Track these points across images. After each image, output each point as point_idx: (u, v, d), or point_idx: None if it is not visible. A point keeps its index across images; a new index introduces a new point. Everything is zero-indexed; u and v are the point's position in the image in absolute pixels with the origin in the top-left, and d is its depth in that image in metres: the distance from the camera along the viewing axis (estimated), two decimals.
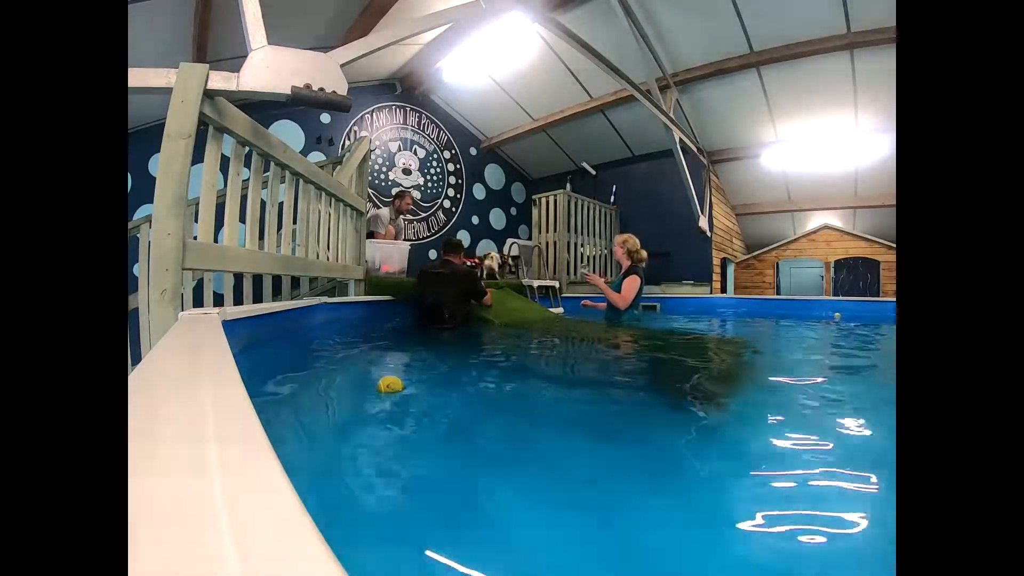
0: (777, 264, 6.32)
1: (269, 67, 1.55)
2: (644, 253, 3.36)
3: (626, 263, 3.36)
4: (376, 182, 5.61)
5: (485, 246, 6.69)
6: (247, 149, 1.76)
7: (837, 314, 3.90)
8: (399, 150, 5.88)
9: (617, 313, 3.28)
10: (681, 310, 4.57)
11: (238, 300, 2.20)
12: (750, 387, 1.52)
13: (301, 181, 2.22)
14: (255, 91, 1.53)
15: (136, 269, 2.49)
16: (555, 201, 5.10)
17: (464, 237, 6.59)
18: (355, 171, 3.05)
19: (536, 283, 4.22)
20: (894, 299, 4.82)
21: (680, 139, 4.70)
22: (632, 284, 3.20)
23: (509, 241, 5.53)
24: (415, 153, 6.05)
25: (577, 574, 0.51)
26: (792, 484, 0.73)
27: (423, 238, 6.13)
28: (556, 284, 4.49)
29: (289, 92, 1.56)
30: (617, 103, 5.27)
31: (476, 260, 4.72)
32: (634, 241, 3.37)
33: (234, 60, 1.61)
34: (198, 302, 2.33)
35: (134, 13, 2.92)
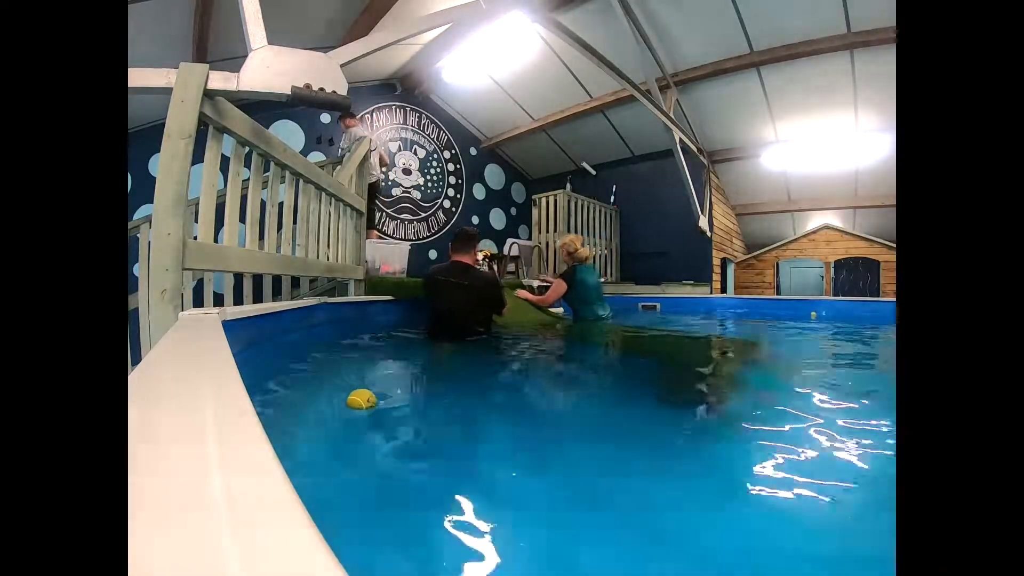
0: (777, 264, 6.32)
1: (269, 67, 1.55)
2: (585, 252, 3.43)
3: (568, 263, 3.43)
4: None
5: (484, 246, 6.69)
6: (247, 149, 1.76)
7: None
8: (399, 150, 5.88)
9: (575, 312, 3.41)
10: (676, 309, 4.60)
11: (238, 300, 2.20)
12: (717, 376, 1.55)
13: (301, 181, 2.22)
14: (255, 91, 1.53)
15: (136, 269, 2.49)
16: (555, 201, 5.11)
17: None
18: (355, 171, 3.05)
19: (536, 283, 4.22)
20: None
21: (680, 139, 4.70)
22: (557, 286, 3.32)
23: (509, 241, 5.53)
24: (415, 153, 6.06)
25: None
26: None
27: (423, 238, 6.13)
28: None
29: (289, 92, 1.56)
30: (617, 103, 5.27)
31: (488, 253, 4.63)
32: (571, 241, 3.43)
33: (234, 60, 1.61)
34: (198, 302, 2.33)
35: (134, 13, 2.92)
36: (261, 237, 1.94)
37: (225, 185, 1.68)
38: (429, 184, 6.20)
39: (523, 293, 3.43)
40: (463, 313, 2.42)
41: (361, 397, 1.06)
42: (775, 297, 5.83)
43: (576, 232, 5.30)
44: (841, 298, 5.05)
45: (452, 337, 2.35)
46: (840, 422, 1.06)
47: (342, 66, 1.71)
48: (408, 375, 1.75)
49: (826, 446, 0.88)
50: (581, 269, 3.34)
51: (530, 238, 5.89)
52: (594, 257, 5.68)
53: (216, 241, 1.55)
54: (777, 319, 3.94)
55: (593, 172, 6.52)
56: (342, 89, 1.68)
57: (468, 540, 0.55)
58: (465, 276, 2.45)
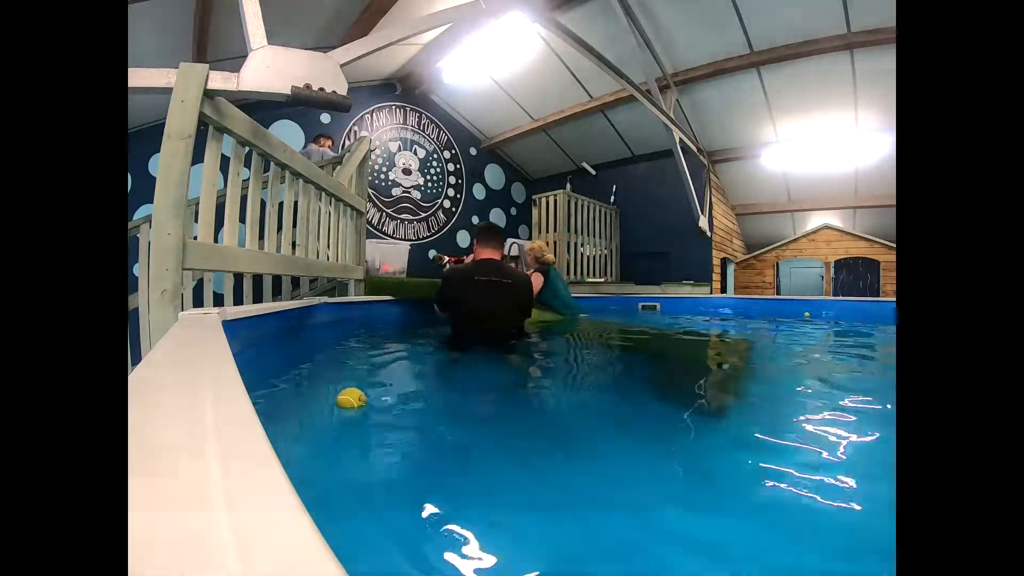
0: (777, 264, 6.32)
1: (269, 67, 1.55)
2: (551, 257, 3.63)
3: (535, 267, 3.59)
4: (376, 182, 5.62)
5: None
6: (247, 149, 1.76)
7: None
8: (399, 150, 5.88)
9: (555, 310, 3.52)
10: (676, 309, 4.62)
11: (238, 300, 2.20)
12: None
13: (301, 181, 2.22)
14: (255, 91, 1.53)
15: (136, 269, 2.49)
16: (555, 201, 5.11)
17: (464, 237, 6.58)
18: (355, 171, 3.05)
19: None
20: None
21: (680, 139, 4.70)
22: (535, 281, 3.42)
23: (509, 241, 5.52)
24: (415, 153, 6.06)
25: None
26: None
27: (423, 238, 6.13)
28: (564, 285, 4.49)
29: (289, 92, 1.56)
30: (617, 103, 5.27)
31: (453, 259, 4.80)
32: (539, 247, 3.62)
33: (234, 60, 1.61)
34: (198, 302, 2.33)
35: (134, 13, 2.93)
36: (261, 237, 1.94)
37: (225, 185, 1.68)
38: (429, 184, 6.20)
39: None
40: (502, 315, 2.13)
41: (352, 396, 1.05)
42: (771, 297, 5.86)
43: (576, 232, 5.31)
44: (832, 298, 5.12)
45: (488, 342, 2.09)
46: (836, 420, 1.06)
47: (342, 66, 1.71)
48: (449, 389, 1.57)
49: (822, 444, 0.88)
50: (552, 271, 3.49)
51: (530, 238, 5.88)
52: (594, 257, 5.70)
53: (216, 241, 1.55)
54: (773, 318, 3.98)
55: (593, 172, 6.52)
56: (342, 89, 1.68)
57: (462, 542, 0.54)
58: (503, 274, 2.14)
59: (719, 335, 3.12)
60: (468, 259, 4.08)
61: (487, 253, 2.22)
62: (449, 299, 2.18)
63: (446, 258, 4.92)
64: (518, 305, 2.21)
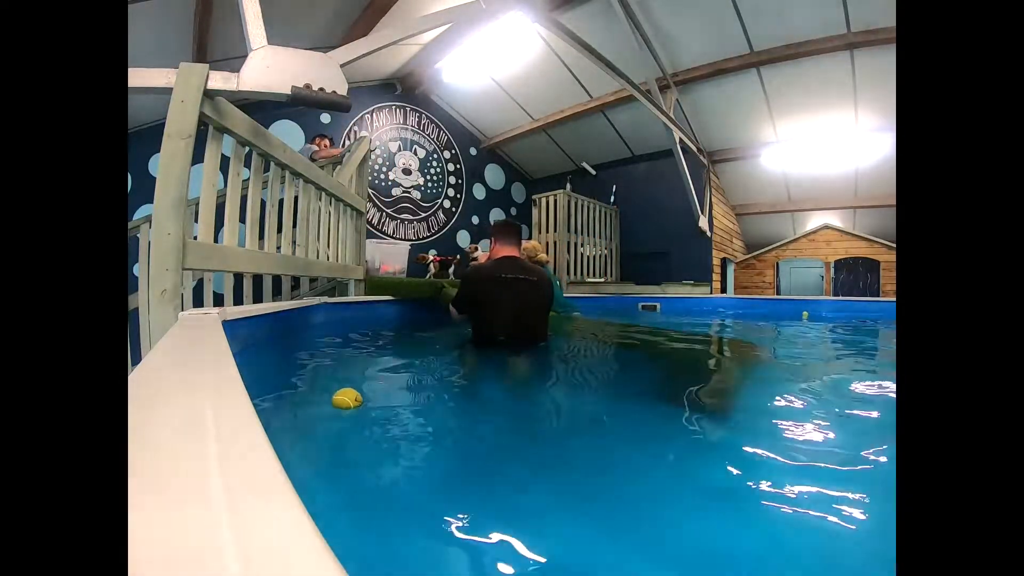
0: (777, 264, 6.32)
1: (269, 67, 1.55)
2: (545, 256, 3.73)
3: None
4: (376, 182, 5.62)
5: (487, 245, 6.69)
6: (247, 149, 1.76)
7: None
8: (399, 150, 5.88)
9: (554, 307, 3.62)
10: (674, 309, 4.62)
11: (238, 300, 2.20)
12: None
13: (301, 181, 2.22)
14: (255, 91, 1.53)
15: (136, 269, 2.49)
16: (555, 201, 5.11)
17: (464, 237, 6.58)
18: (355, 171, 3.05)
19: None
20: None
21: (680, 139, 4.70)
22: None
23: None
24: (415, 153, 6.06)
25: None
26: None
27: (423, 238, 6.13)
28: (557, 283, 4.51)
29: (289, 92, 1.56)
30: (617, 103, 5.27)
31: (437, 259, 4.78)
32: (533, 247, 3.69)
33: (234, 60, 1.61)
34: (198, 302, 2.34)
35: (134, 13, 2.93)
36: (261, 237, 1.94)
37: (225, 185, 1.68)
38: (429, 184, 6.20)
39: None
40: (531, 315, 2.07)
41: (348, 396, 1.05)
42: (770, 297, 5.87)
43: (576, 232, 5.32)
44: (832, 298, 5.15)
45: (517, 343, 2.00)
46: (834, 420, 1.06)
47: (342, 66, 1.71)
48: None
49: (819, 443, 0.88)
50: (546, 270, 3.52)
51: (530, 238, 5.88)
52: (594, 257, 5.71)
53: (216, 241, 1.55)
54: (772, 319, 3.98)
55: (593, 172, 6.52)
56: (342, 89, 1.68)
57: (455, 540, 0.55)
58: (527, 271, 2.05)
59: (719, 336, 3.12)
60: (471, 258, 4.07)
61: (506, 250, 2.12)
62: (473, 300, 2.05)
63: (430, 257, 4.84)
64: (544, 304, 2.15)
